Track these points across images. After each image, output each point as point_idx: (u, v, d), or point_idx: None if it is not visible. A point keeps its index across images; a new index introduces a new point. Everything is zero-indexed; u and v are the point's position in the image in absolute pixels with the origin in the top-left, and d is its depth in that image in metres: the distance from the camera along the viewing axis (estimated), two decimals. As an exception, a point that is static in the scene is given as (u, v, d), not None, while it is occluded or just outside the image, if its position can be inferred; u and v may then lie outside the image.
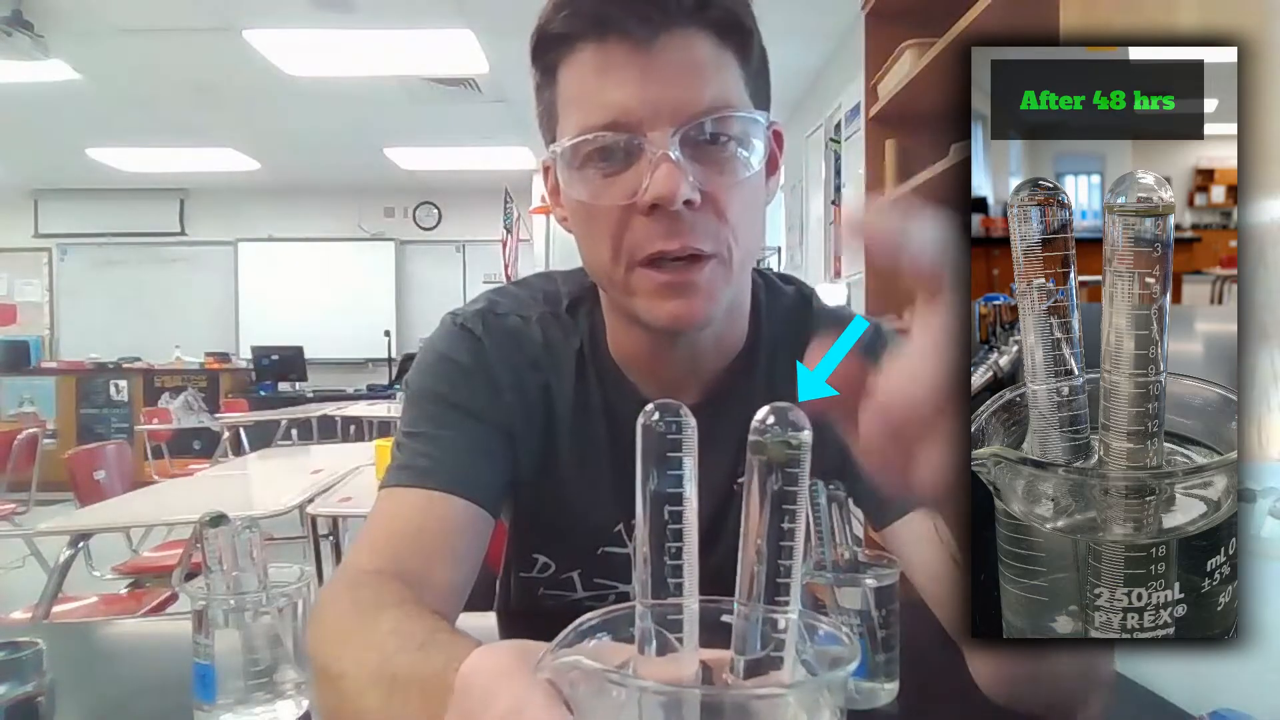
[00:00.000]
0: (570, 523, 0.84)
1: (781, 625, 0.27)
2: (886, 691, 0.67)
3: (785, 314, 0.85)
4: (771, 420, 0.26)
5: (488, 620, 0.91)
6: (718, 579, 0.30)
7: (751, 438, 0.26)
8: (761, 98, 0.73)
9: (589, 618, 0.29)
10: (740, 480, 0.81)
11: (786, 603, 0.27)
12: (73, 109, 5.39)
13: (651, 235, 0.67)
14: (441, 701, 0.44)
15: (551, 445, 0.83)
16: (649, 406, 0.27)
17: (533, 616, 0.89)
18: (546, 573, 0.87)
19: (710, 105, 0.66)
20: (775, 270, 0.95)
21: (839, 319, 0.85)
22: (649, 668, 0.28)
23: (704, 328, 0.72)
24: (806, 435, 0.26)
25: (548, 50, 0.71)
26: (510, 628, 0.89)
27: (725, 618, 0.28)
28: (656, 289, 0.69)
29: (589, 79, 0.68)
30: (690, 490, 0.27)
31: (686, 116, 0.66)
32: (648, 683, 0.26)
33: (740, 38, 0.69)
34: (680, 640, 0.28)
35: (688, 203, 0.66)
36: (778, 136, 0.78)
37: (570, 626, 0.28)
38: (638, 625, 0.28)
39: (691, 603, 0.28)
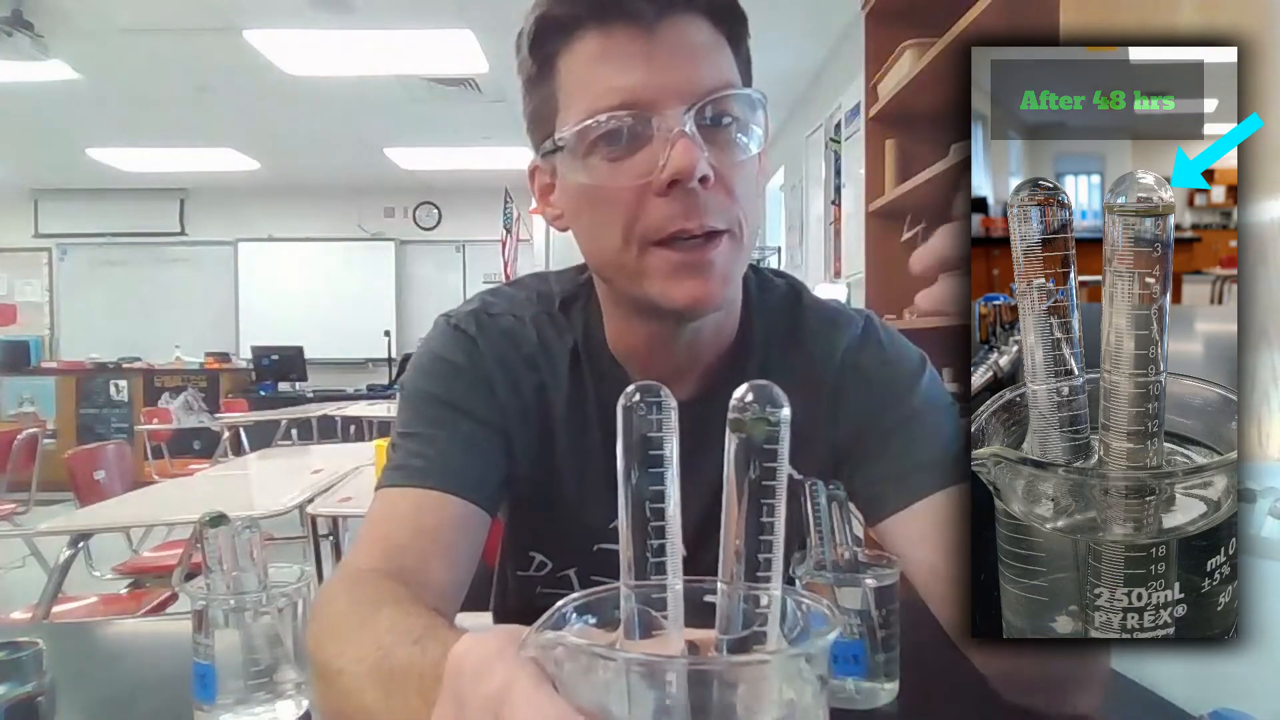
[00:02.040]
0: (566, 520, 0.85)
1: (764, 603, 0.27)
2: (886, 691, 0.67)
3: (776, 307, 0.85)
4: (751, 398, 0.26)
5: (486, 619, 0.91)
6: (714, 572, 0.30)
7: (731, 415, 0.26)
8: (748, 82, 0.74)
9: (573, 598, 0.29)
10: None
11: (769, 579, 0.27)
12: (73, 109, 5.40)
13: (670, 214, 0.68)
14: (437, 692, 0.45)
15: (547, 443, 0.83)
16: (629, 388, 0.27)
17: (530, 614, 0.89)
18: (543, 571, 0.87)
19: (716, 85, 0.68)
20: (770, 268, 0.95)
21: (829, 313, 0.86)
22: (635, 648, 0.28)
23: (717, 309, 0.73)
24: (785, 412, 0.26)
25: (547, 39, 0.71)
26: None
27: (709, 598, 0.28)
28: (672, 269, 0.69)
29: (594, 65, 0.69)
30: (671, 474, 0.27)
31: (695, 96, 0.67)
32: (634, 655, 0.26)
33: (734, 22, 0.71)
34: (665, 618, 0.28)
35: (703, 180, 0.66)
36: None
37: (555, 607, 0.28)
38: (623, 607, 0.28)
39: (675, 583, 0.28)
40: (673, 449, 0.27)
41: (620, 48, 0.68)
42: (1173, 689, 0.64)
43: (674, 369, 0.80)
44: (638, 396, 0.27)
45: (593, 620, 0.29)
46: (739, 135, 0.70)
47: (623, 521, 0.28)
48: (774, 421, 0.26)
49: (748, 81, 0.74)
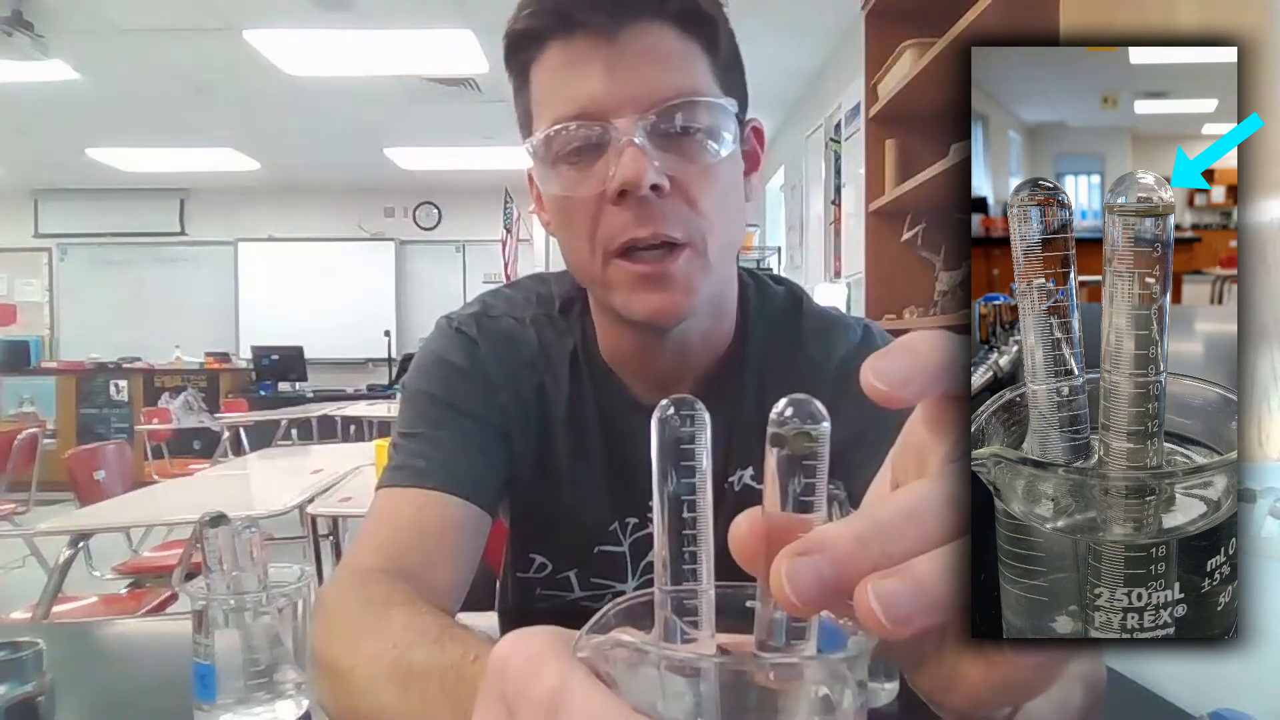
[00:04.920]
0: (566, 522, 0.85)
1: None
2: (886, 692, 0.67)
3: (775, 313, 0.85)
4: (790, 412, 0.26)
5: (487, 620, 0.91)
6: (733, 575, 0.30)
7: (771, 430, 0.26)
8: (734, 88, 0.73)
9: (618, 602, 0.29)
10: (730, 480, 0.81)
11: None
12: (73, 109, 5.40)
13: (623, 223, 0.68)
14: (459, 692, 0.45)
15: (547, 445, 0.83)
16: (664, 402, 0.28)
17: (531, 616, 0.89)
18: (543, 572, 0.87)
19: (675, 93, 0.67)
20: (771, 271, 0.95)
21: (829, 320, 0.86)
22: (671, 650, 0.28)
23: (683, 320, 0.73)
24: (825, 426, 0.26)
25: (518, 51, 0.72)
26: (511, 628, 0.89)
27: (750, 604, 0.28)
28: (633, 281, 0.70)
29: (557, 74, 0.69)
30: (705, 480, 0.28)
31: (650, 104, 0.67)
32: (675, 653, 0.27)
33: (704, 28, 0.70)
34: (696, 624, 0.28)
35: (656, 189, 0.66)
36: (758, 134, 0.78)
37: (600, 612, 0.28)
38: (657, 614, 0.28)
39: (708, 589, 0.28)
40: (705, 458, 0.27)
41: (581, 57, 0.68)
42: (1173, 689, 0.64)
43: (664, 375, 0.81)
44: (671, 409, 0.27)
45: (638, 624, 0.29)
46: (708, 143, 0.69)
47: (658, 526, 0.28)
48: (814, 436, 0.26)
49: (733, 85, 0.73)
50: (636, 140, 0.66)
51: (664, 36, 0.68)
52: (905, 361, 0.26)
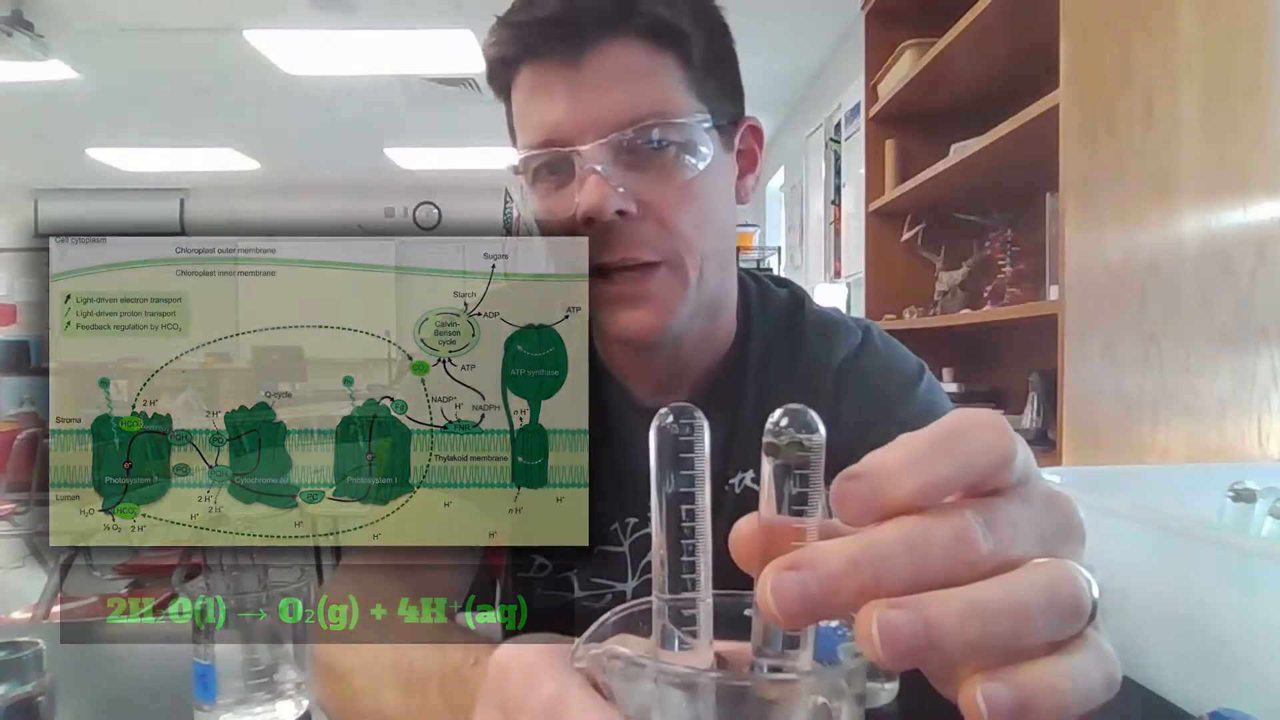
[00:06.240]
0: (567, 522, 0.85)
1: None
2: (886, 691, 0.67)
3: (776, 316, 0.85)
4: (785, 422, 0.26)
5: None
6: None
7: (766, 439, 0.26)
8: (717, 95, 0.71)
9: (617, 610, 0.29)
10: (730, 482, 0.82)
11: None
12: (73, 109, 5.40)
13: (593, 248, 0.67)
14: (459, 696, 0.45)
15: None
16: (663, 410, 0.28)
17: (533, 616, 0.89)
18: (543, 572, 0.87)
19: (639, 115, 0.66)
20: (772, 273, 0.95)
21: (830, 323, 0.86)
22: (668, 659, 0.28)
23: (663, 338, 0.72)
24: (820, 436, 0.26)
25: (495, 75, 0.73)
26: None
27: (748, 612, 0.28)
28: (611, 301, 0.70)
29: (528, 101, 0.70)
30: (703, 489, 0.28)
31: (613, 127, 0.66)
32: (670, 666, 0.27)
33: (675, 40, 0.68)
34: (694, 633, 0.28)
35: (622, 213, 0.66)
36: (755, 133, 0.78)
37: (598, 621, 0.29)
38: (655, 622, 0.28)
39: (706, 598, 0.28)
40: (703, 465, 0.28)
41: (547, 82, 0.67)
42: (1173, 689, 0.64)
43: (662, 379, 0.81)
44: (671, 418, 0.28)
45: (637, 631, 0.29)
46: (684, 157, 0.68)
47: (657, 532, 0.28)
48: (807, 446, 0.26)
49: (716, 91, 0.71)
50: (599, 168, 0.65)
51: (631, 54, 0.67)
52: (854, 506, 0.25)
